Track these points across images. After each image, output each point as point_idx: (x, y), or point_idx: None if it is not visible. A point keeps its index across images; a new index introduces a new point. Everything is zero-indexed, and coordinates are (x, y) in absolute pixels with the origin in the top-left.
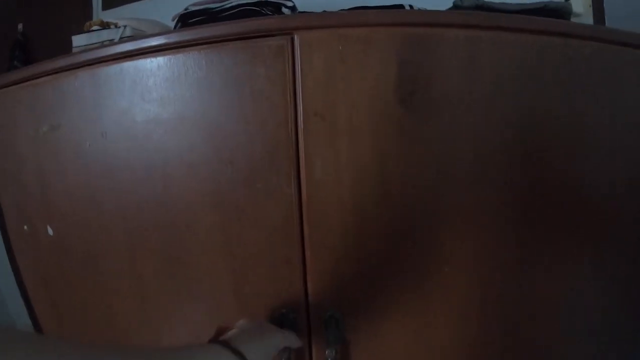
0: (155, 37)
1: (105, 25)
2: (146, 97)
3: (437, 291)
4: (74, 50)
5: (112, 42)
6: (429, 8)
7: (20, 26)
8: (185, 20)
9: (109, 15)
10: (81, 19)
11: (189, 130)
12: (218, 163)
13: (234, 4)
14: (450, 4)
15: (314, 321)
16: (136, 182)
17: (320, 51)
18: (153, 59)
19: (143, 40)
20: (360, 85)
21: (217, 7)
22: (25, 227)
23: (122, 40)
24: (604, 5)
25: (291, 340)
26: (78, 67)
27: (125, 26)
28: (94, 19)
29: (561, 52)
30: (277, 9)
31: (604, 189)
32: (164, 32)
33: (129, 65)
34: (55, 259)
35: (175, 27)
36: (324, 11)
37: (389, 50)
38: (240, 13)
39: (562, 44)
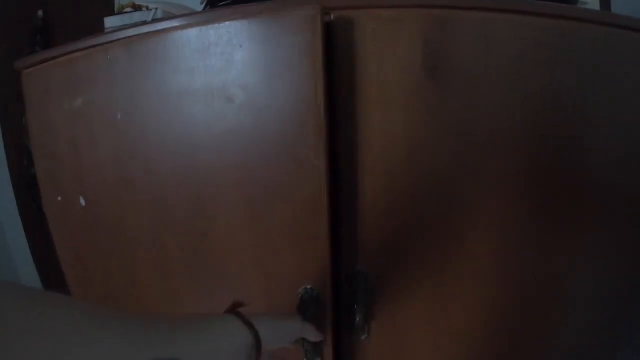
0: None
1: (137, 7)
2: (177, 69)
3: (457, 265)
4: (106, 30)
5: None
6: None
7: (40, 12)
8: (215, 2)
9: None
10: (102, 4)
11: (217, 101)
12: (245, 136)
13: None
14: None
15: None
16: (165, 155)
17: (354, 28)
18: (183, 31)
19: (174, 19)
20: (390, 60)
21: None
22: (59, 197)
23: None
24: None
25: (310, 332)
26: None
27: (156, 8)
28: (116, 3)
29: (568, 34)
30: None
31: (618, 173)
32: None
33: (160, 37)
34: (86, 228)
35: (204, 9)
36: None
37: (416, 29)
38: None
39: (569, 27)
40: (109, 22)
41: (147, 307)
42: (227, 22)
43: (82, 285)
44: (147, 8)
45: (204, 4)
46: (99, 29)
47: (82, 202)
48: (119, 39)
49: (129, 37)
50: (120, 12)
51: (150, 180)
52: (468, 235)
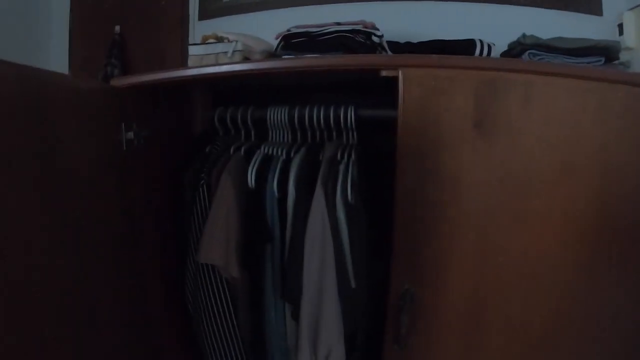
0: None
1: (219, 39)
2: None
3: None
4: (190, 58)
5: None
6: (495, 43)
7: (117, 28)
8: (288, 40)
9: (204, 26)
10: (177, 27)
11: None
12: None
13: (331, 29)
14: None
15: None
16: None
17: (418, 84)
18: None
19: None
20: (445, 112)
21: (316, 31)
22: None
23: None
24: None
25: None
26: None
27: (236, 41)
28: (191, 28)
29: (600, 95)
30: (368, 36)
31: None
32: (291, 56)
33: None
34: None
35: (278, 45)
36: (407, 42)
37: (468, 87)
38: (336, 38)
39: (601, 88)
40: (193, 50)
41: None
42: None
43: None
44: (228, 40)
45: (278, 40)
46: (171, 46)
47: None
48: None
49: None
50: (205, 42)
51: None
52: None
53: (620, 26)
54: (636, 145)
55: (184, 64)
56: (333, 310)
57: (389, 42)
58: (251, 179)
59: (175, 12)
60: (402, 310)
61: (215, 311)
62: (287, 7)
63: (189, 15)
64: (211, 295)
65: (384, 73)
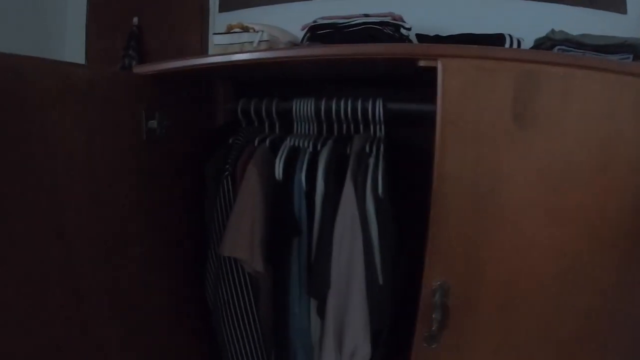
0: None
1: (245, 29)
2: None
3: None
4: (214, 46)
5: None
6: (524, 38)
7: (135, 19)
8: (315, 31)
9: (225, 17)
10: (197, 19)
11: None
12: None
13: (359, 21)
14: (541, 35)
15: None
16: None
17: (458, 75)
18: None
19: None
20: (484, 104)
21: (344, 23)
22: None
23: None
24: None
25: None
26: None
27: (262, 31)
28: (211, 19)
29: (636, 90)
30: (396, 29)
31: None
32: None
33: None
34: None
35: (304, 36)
36: (436, 35)
37: (508, 79)
38: (364, 30)
39: (636, 83)
40: (217, 39)
41: None
42: None
43: None
44: (254, 30)
45: (305, 31)
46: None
47: None
48: None
49: None
50: (229, 32)
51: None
52: (540, 267)
53: None
54: None
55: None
56: (360, 307)
57: (417, 35)
58: (279, 171)
59: (194, 4)
60: (434, 306)
61: (237, 305)
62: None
63: (209, 6)
64: (233, 290)
65: (421, 63)
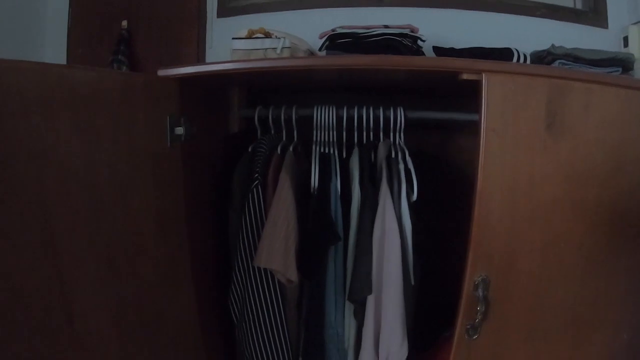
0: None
1: (267, 35)
2: None
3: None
4: (234, 52)
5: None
6: (527, 52)
7: (124, 23)
8: (334, 40)
9: (223, 23)
10: (193, 23)
11: None
12: None
13: (379, 32)
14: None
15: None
16: None
17: (499, 88)
18: None
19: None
20: (521, 114)
21: (363, 33)
22: None
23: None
24: None
25: None
26: None
27: (284, 38)
28: (208, 24)
29: None
30: (414, 40)
31: None
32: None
33: None
34: None
35: (323, 44)
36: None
37: (541, 92)
38: (383, 41)
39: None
40: (239, 44)
41: None
42: None
43: None
44: (276, 36)
45: (324, 39)
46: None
47: None
48: None
49: None
50: (251, 37)
51: None
52: (565, 256)
53: (625, 39)
54: None
55: (200, 62)
56: (398, 308)
57: (434, 47)
58: (314, 179)
59: (190, 8)
60: (478, 299)
61: (267, 316)
62: (312, 8)
63: (206, 11)
64: (263, 300)
65: (465, 76)
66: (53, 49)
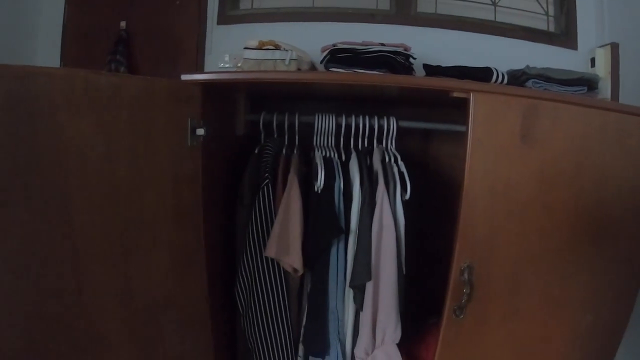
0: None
1: (277, 47)
2: None
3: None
4: (245, 61)
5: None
6: (505, 69)
7: (123, 23)
8: (335, 54)
9: (223, 30)
10: (193, 29)
11: None
12: None
13: (375, 49)
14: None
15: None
16: None
17: (484, 105)
18: None
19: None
20: (501, 127)
21: (362, 49)
22: None
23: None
24: (619, 72)
25: None
26: None
27: (292, 50)
28: (208, 30)
29: (600, 119)
30: (406, 58)
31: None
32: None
33: None
34: None
35: (324, 58)
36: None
37: (518, 109)
38: (380, 57)
39: (601, 114)
40: (251, 54)
41: None
42: None
43: None
44: (284, 49)
45: (325, 53)
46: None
47: None
48: None
49: None
50: (261, 48)
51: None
52: (537, 246)
53: (593, 60)
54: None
55: (199, 67)
56: (394, 294)
57: (424, 65)
58: (320, 180)
59: (192, 15)
60: (464, 283)
61: (272, 302)
62: (309, 21)
63: (206, 18)
64: (270, 288)
65: (455, 94)
66: (45, 48)
